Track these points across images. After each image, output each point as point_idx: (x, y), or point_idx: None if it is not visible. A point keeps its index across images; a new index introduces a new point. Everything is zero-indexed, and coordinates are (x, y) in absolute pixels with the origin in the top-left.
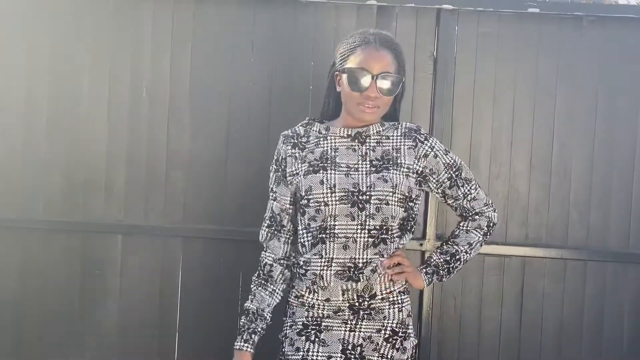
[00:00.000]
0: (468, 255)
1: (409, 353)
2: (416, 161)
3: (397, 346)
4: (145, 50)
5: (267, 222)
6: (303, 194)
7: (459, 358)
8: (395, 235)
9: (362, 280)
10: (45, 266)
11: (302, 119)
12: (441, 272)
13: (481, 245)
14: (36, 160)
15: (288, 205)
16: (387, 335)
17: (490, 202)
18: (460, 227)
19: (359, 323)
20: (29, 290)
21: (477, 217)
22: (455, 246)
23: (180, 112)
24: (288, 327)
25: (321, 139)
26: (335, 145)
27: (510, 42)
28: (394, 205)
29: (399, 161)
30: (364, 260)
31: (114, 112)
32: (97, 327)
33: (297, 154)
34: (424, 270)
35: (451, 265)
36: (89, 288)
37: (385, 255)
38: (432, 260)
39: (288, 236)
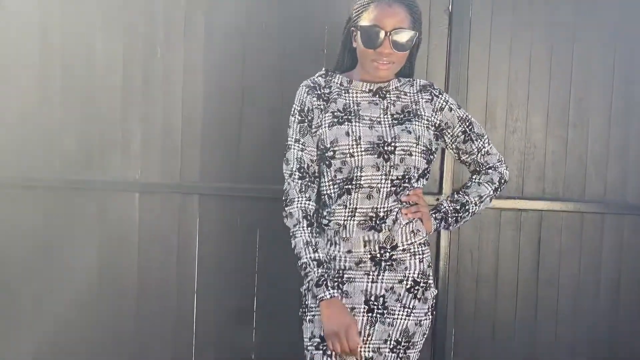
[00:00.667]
0: (477, 207)
1: (430, 303)
2: (433, 114)
3: (418, 296)
4: (158, 7)
5: (298, 174)
6: (328, 145)
7: (475, 312)
8: (413, 184)
9: (384, 230)
10: (64, 225)
11: (316, 73)
12: (449, 219)
13: (491, 199)
14: (52, 120)
15: (315, 157)
16: (408, 286)
17: (502, 159)
18: (473, 180)
19: (381, 274)
20: (48, 249)
21: (490, 171)
22: (466, 196)
23: (194, 69)
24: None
25: (343, 92)
26: (357, 99)
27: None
28: (417, 156)
29: (419, 113)
30: (385, 209)
31: (128, 70)
32: (115, 284)
33: (322, 106)
34: (434, 215)
35: (459, 215)
36: (107, 246)
37: (402, 204)
38: (442, 207)
39: (316, 186)
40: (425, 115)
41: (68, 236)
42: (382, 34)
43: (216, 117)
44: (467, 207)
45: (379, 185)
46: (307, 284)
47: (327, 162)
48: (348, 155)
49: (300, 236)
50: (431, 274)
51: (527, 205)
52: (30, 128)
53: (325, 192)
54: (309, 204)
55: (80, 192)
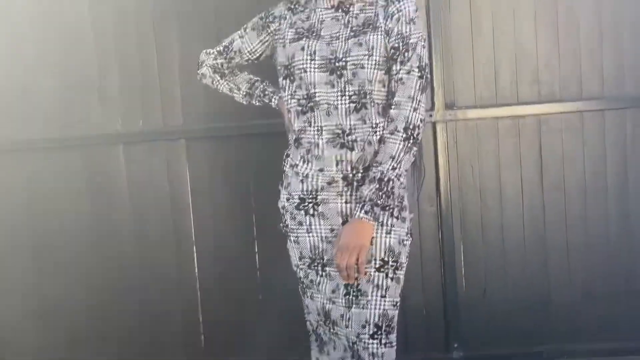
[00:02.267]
0: (398, 169)
1: (408, 224)
2: (384, 21)
3: (395, 214)
4: None
5: (221, 48)
6: (289, 61)
7: (482, 226)
8: (375, 98)
9: (356, 150)
10: (51, 185)
11: None
12: (379, 202)
13: (409, 152)
14: (26, 79)
15: (247, 52)
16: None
17: (418, 98)
18: (383, 134)
19: (354, 194)
20: (37, 213)
21: (393, 113)
22: (379, 167)
23: (165, 6)
24: (285, 200)
25: (312, 12)
26: (321, 18)
27: None
28: (370, 68)
29: (377, 24)
30: (350, 127)
31: (97, 12)
32: (111, 243)
33: (288, 16)
34: (362, 211)
35: (385, 190)
36: (97, 203)
37: (367, 122)
38: (364, 194)
39: (226, 67)
40: (381, 24)
41: (56, 197)
42: None
43: (193, 52)
44: (386, 178)
45: (336, 102)
46: (257, 101)
47: (290, 78)
48: (302, 70)
49: (222, 88)
50: (406, 196)
51: (524, 110)
52: (4, 89)
53: (288, 108)
54: (216, 61)
55: (62, 151)
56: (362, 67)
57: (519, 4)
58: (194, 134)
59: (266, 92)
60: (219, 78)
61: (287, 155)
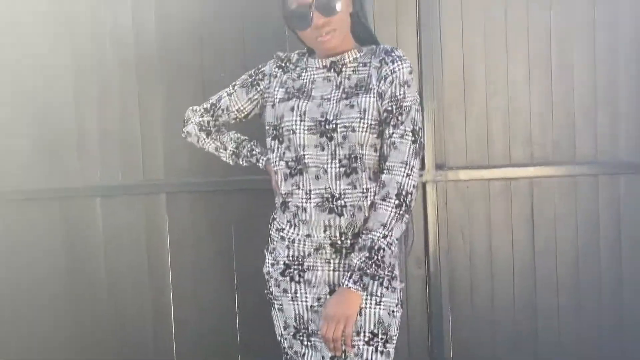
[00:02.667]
0: (389, 238)
1: (399, 294)
2: (377, 83)
3: (385, 284)
4: None
5: (208, 106)
6: (278, 122)
7: (472, 291)
8: (367, 162)
9: (345, 215)
10: (26, 237)
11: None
12: (369, 271)
13: (401, 220)
14: (2, 127)
15: (235, 110)
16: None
17: (412, 164)
18: (374, 200)
19: (342, 262)
20: (11, 265)
21: (385, 178)
22: (369, 234)
23: (148, 60)
24: (270, 266)
25: (303, 72)
26: (313, 78)
27: None
28: (361, 132)
29: (370, 86)
30: (339, 191)
31: (78, 64)
32: (86, 293)
33: (278, 74)
34: (350, 280)
35: (376, 259)
36: (72, 257)
37: (358, 187)
38: (353, 263)
39: (213, 125)
40: (374, 86)
41: (30, 249)
42: (306, 10)
43: (177, 109)
44: (376, 246)
45: (325, 165)
46: (244, 161)
47: (279, 139)
48: (291, 131)
49: (208, 147)
50: (397, 264)
51: (516, 173)
52: None
53: (276, 170)
54: (203, 119)
55: (38, 202)
56: (353, 130)
57: (513, 65)
58: (175, 189)
59: (254, 152)
60: (204, 136)
61: (274, 219)
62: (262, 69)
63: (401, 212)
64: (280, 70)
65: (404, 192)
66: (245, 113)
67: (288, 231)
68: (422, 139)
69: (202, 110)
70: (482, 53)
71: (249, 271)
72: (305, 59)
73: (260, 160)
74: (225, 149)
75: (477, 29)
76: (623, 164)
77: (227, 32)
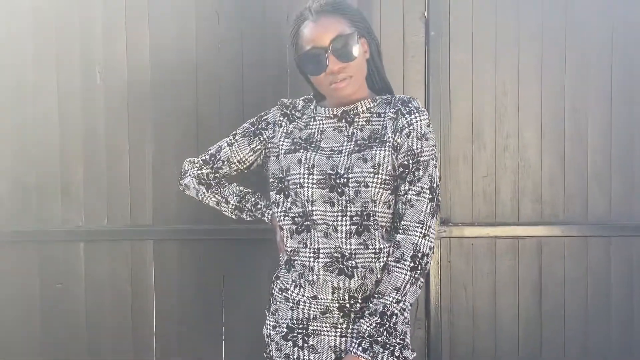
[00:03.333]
0: (403, 303)
1: None
2: (393, 135)
3: (396, 353)
4: (96, 30)
5: (207, 157)
6: (283, 175)
7: (474, 353)
8: (380, 220)
9: (356, 277)
10: (3, 281)
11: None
12: (380, 339)
13: (416, 284)
14: None
15: (236, 161)
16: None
17: (428, 223)
18: (387, 262)
19: (350, 327)
20: None
21: (400, 239)
22: (381, 299)
23: (140, 100)
24: (271, 328)
25: (311, 120)
26: (322, 128)
27: None
28: (375, 187)
29: (385, 138)
30: (350, 251)
31: (64, 103)
32: (64, 344)
33: (284, 123)
34: (359, 348)
35: (388, 325)
36: (50, 305)
37: (370, 247)
38: (363, 329)
39: (213, 178)
40: (389, 138)
41: (7, 294)
42: (322, 53)
43: (168, 152)
44: (389, 312)
45: (336, 222)
46: (248, 216)
47: (284, 193)
48: (298, 185)
49: (208, 201)
50: (409, 332)
51: (524, 231)
52: None
53: (281, 225)
54: (201, 171)
55: (16, 245)
56: (366, 186)
57: (524, 115)
58: (163, 236)
59: (258, 206)
60: (204, 190)
61: (277, 277)
62: (266, 117)
63: (416, 275)
64: (286, 118)
65: (419, 254)
66: (248, 164)
67: (293, 292)
68: (439, 197)
69: (201, 162)
70: (492, 111)
71: (239, 326)
72: (312, 107)
73: (266, 215)
74: (228, 203)
75: (488, 87)
76: (637, 226)
77: (224, 74)
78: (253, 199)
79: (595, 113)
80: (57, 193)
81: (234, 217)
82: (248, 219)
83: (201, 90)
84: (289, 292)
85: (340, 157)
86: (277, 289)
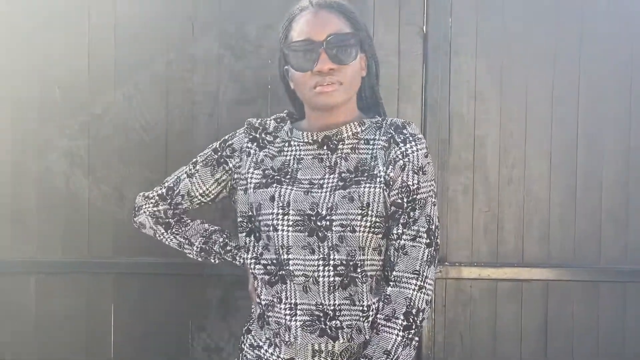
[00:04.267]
0: None
1: None
2: (384, 168)
3: None
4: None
5: (162, 191)
6: (253, 213)
7: None
8: (368, 270)
9: (341, 339)
10: None
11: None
12: None
13: (409, 346)
14: None
15: (198, 194)
16: None
17: (425, 274)
18: (376, 318)
19: None
20: None
21: (391, 292)
22: None
23: (102, 123)
24: None
25: (285, 145)
26: (299, 155)
27: (519, 8)
28: (363, 232)
29: (375, 171)
30: (333, 308)
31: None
32: None
33: (252, 151)
34: None
35: None
36: None
37: (357, 303)
38: None
39: (172, 215)
40: (380, 172)
41: None
42: (314, 47)
43: (133, 174)
44: None
45: (316, 273)
46: (216, 259)
47: (255, 234)
48: (271, 228)
49: (169, 242)
50: None
51: (529, 274)
52: None
53: (251, 273)
54: (158, 208)
55: None
56: (353, 231)
57: (532, 145)
58: (124, 269)
59: (227, 247)
60: (162, 230)
61: (249, 331)
62: (230, 142)
63: (410, 335)
64: (255, 144)
65: (414, 311)
66: (212, 197)
67: (267, 351)
68: (438, 241)
69: (157, 197)
70: (497, 139)
71: None
72: (287, 129)
73: (237, 258)
74: (192, 245)
75: (492, 112)
76: None
77: (197, 90)
78: (221, 239)
79: (610, 144)
80: (8, 222)
81: (200, 259)
82: (216, 262)
83: (172, 107)
84: (262, 350)
85: (321, 193)
86: (247, 345)
